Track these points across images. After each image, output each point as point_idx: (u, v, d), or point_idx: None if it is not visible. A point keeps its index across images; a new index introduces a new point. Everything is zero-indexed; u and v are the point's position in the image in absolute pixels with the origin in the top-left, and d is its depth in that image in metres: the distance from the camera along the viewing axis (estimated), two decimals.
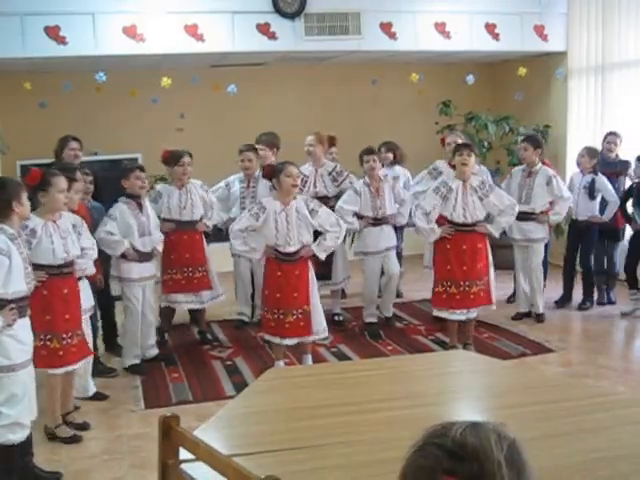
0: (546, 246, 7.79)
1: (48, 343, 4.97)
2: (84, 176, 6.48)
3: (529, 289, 7.71)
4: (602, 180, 7.66)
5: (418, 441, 1.34)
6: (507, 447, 1.29)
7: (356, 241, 7.50)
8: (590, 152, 7.78)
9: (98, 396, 5.87)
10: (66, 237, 5.08)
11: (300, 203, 6.05)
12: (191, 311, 7.54)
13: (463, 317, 6.62)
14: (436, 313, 6.81)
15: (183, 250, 6.88)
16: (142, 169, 6.46)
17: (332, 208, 7.33)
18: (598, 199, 7.80)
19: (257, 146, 7.54)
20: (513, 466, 1.27)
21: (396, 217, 7.38)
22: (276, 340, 6.12)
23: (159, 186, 7.16)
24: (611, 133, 8.10)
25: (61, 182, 4.95)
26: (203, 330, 7.42)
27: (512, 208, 6.67)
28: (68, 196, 5.11)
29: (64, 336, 5.02)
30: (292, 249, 5.99)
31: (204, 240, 7.14)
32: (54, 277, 4.99)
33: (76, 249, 5.18)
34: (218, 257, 7.55)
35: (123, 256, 6.23)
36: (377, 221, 7.22)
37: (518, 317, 7.73)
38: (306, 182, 7.38)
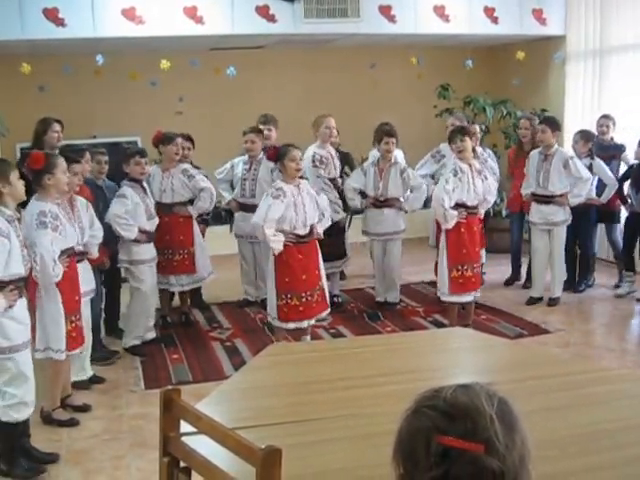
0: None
1: (77, 323, 5.04)
2: (100, 156, 6.48)
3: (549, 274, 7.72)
4: (599, 164, 7.65)
5: (411, 406, 1.37)
6: (497, 403, 1.33)
7: (361, 221, 7.55)
8: (584, 136, 7.75)
9: (95, 379, 5.87)
10: (83, 219, 5.21)
11: (306, 184, 6.10)
12: (190, 293, 7.54)
13: (471, 298, 6.76)
14: (449, 299, 6.74)
15: (163, 232, 6.76)
16: (142, 154, 6.39)
17: (338, 188, 7.43)
18: (595, 182, 7.82)
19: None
20: (504, 420, 1.32)
21: (409, 202, 7.34)
22: (304, 324, 6.08)
23: (150, 168, 6.92)
24: (603, 116, 8.06)
25: (64, 163, 4.95)
26: (186, 312, 7.43)
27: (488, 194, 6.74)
28: (70, 178, 5.09)
29: (73, 319, 5.01)
30: (307, 230, 6.00)
31: (193, 224, 7.07)
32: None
33: (86, 234, 5.25)
34: (219, 240, 7.59)
35: (133, 240, 6.23)
36: (378, 202, 7.24)
37: (532, 302, 7.63)
38: (327, 164, 7.41)
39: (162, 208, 6.80)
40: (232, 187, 7.56)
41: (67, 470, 4.48)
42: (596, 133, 7.94)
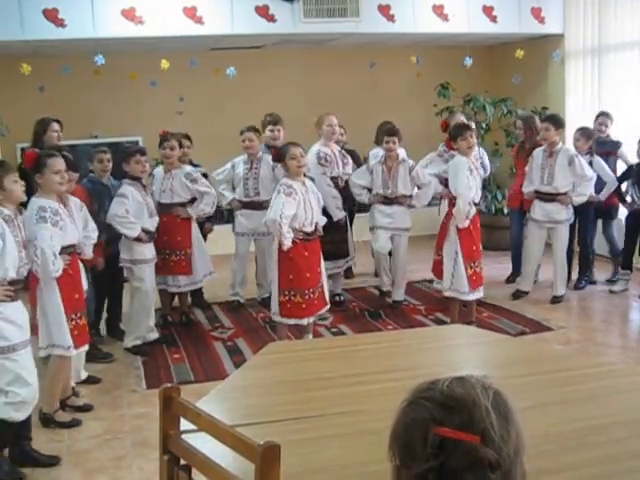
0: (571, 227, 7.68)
1: (79, 322, 5.02)
2: (102, 154, 6.48)
3: (552, 271, 7.72)
4: (599, 161, 7.67)
5: (407, 397, 1.38)
6: (492, 395, 1.34)
7: (368, 218, 7.58)
8: (585, 133, 7.76)
9: (91, 379, 5.86)
10: (75, 218, 5.12)
11: (309, 182, 6.14)
12: (191, 293, 7.54)
13: (481, 294, 6.86)
14: (468, 297, 6.73)
15: (161, 232, 6.72)
16: (142, 152, 6.40)
17: (343, 187, 7.49)
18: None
19: None
20: (500, 412, 1.32)
21: (417, 198, 7.36)
22: (304, 321, 6.09)
23: (154, 170, 7.14)
24: (602, 113, 8.09)
25: (57, 163, 4.85)
26: (185, 312, 7.39)
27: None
28: (65, 177, 4.96)
29: (73, 317, 4.99)
30: (313, 228, 6.03)
31: (192, 225, 7.05)
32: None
33: (80, 231, 5.19)
34: (220, 239, 7.58)
35: (136, 238, 6.21)
36: (388, 200, 7.27)
37: (518, 295, 7.70)
38: (331, 162, 7.44)
39: (161, 208, 6.82)
40: (232, 187, 7.55)
41: (68, 470, 4.47)
42: (594, 129, 7.96)
